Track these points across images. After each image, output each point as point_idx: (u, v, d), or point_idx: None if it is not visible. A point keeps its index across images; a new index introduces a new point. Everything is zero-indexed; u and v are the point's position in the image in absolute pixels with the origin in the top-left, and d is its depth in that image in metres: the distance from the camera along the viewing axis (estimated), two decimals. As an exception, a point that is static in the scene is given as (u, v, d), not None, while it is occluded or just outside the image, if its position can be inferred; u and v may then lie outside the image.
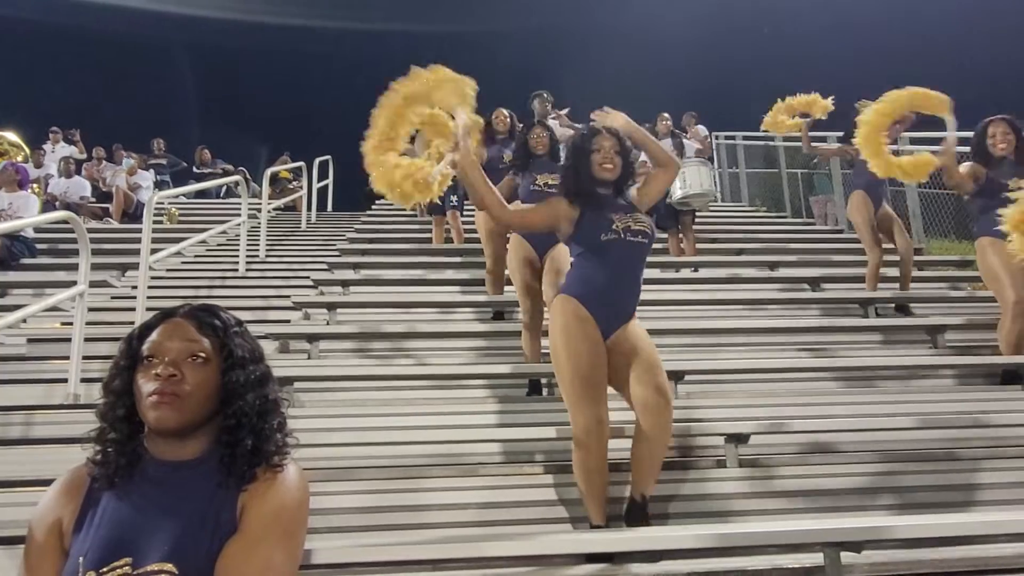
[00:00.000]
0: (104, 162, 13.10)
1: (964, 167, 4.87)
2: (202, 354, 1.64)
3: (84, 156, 13.37)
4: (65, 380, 4.19)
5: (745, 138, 14.16)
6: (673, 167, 3.37)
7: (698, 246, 8.27)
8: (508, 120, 6.61)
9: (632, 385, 3.01)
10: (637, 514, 2.99)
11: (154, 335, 1.66)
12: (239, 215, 8.07)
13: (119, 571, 1.49)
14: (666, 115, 9.10)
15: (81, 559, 1.51)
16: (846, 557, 2.47)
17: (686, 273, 7.40)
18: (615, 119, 3.40)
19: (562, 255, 4.50)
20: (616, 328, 3.09)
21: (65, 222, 4.79)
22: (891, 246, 6.44)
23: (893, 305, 6.18)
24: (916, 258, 8.07)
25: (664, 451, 3.01)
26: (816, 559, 2.51)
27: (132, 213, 11.36)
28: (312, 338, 4.94)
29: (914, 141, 7.94)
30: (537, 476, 3.29)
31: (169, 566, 1.49)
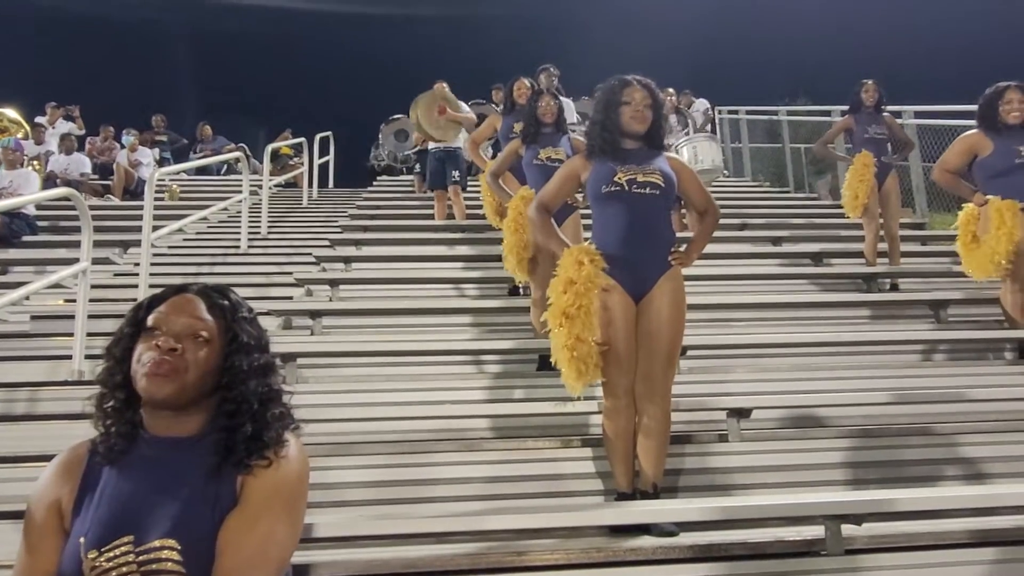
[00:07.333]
0: (114, 142, 12.96)
1: (957, 152, 4.76)
2: (204, 334, 1.63)
3: (83, 132, 13.26)
4: (69, 357, 4.19)
5: (748, 112, 14.03)
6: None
7: (701, 221, 8.21)
8: (529, 90, 6.32)
9: (638, 378, 3.02)
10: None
11: (162, 307, 1.65)
12: (240, 192, 8.04)
13: (121, 549, 1.49)
14: (671, 90, 8.99)
15: (82, 539, 1.52)
16: (847, 529, 2.49)
17: (688, 248, 7.35)
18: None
19: (571, 227, 4.49)
20: (648, 282, 3.04)
21: (66, 199, 4.77)
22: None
23: (894, 282, 6.15)
24: (920, 233, 8.08)
25: (665, 442, 3.03)
26: (817, 531, 2.52)
27: (133, 190, 11.32)
28: (315, 314, 4.94)
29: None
30: (541, 451, 3.30)
31: (171, 542, 1.49)
